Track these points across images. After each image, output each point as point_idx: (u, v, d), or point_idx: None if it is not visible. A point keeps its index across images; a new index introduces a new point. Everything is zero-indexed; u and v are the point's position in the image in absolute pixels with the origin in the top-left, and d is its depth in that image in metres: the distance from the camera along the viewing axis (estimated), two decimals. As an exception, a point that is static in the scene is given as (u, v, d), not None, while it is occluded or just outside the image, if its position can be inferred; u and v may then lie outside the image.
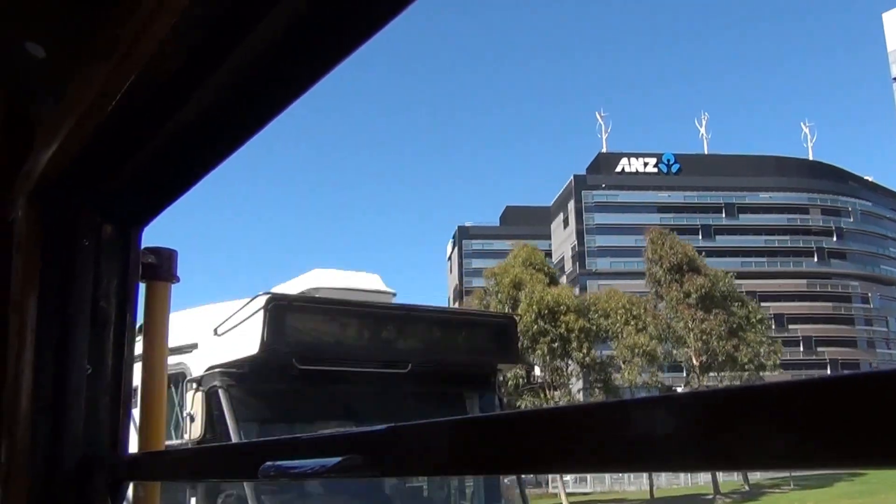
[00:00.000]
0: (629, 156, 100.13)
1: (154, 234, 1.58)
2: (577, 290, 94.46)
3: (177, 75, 1.15)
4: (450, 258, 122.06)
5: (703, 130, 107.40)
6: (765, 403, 0.49)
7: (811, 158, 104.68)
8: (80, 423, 1.42)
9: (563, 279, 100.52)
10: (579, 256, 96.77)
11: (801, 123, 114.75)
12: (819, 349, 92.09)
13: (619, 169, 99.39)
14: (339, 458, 0.87)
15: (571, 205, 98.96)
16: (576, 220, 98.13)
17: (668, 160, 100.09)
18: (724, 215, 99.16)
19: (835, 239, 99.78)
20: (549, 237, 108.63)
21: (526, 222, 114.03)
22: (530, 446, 0.68)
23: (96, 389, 1.44)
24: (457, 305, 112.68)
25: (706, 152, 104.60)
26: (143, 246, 1.53)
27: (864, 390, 0.42)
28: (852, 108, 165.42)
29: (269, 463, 1.00)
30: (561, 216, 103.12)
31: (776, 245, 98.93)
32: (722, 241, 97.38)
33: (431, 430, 0.87)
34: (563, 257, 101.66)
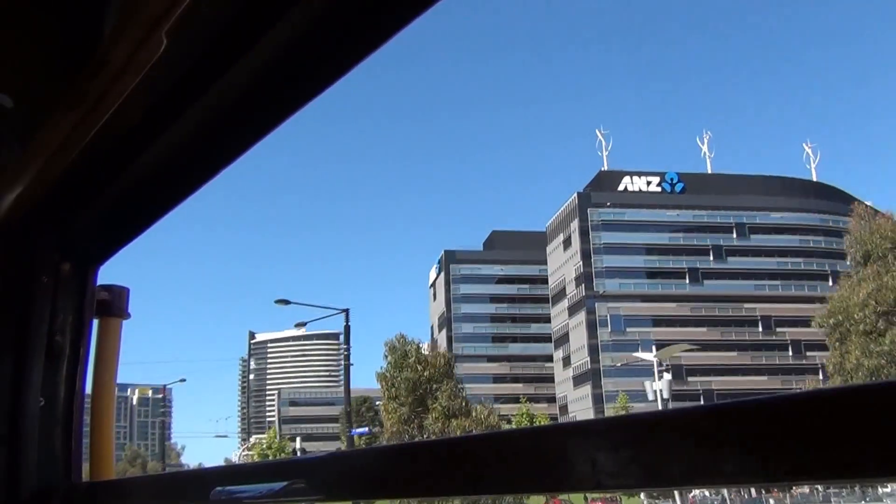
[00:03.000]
0: (631, 174, 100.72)
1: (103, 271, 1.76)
2: (583, 314, 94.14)
3: (139, 125, 1.35)
4: (433, 285, 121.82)
5: (705, 148, 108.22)
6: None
7: (815, 180, 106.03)
8: (34, 453, 1.60)
9: (565, 303, 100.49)
10: (585, 278, 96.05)
11: (804, 144, 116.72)
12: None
13: (621, 187, 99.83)
14: (284, 483, 1.01)
15: (575, 224, 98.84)
16: (580, 240, 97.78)
17: (672, 179, 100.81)
18: (734, 235, 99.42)
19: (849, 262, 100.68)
20: (539, 262, 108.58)
21: (515, 247, 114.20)
22: (472, 470, 0.77)
23: (50, 421, 1.62)
24: (442, 334, 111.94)
25: (709, 171, 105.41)
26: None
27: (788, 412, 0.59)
28: (855, 130, 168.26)
29: (219, 488, 1.17)
30: (560, 237, 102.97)
31: (789, 268, 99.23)
32: (734, 262, 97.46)
33: (371, 455, 1.03)
34: (562, 280, 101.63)
